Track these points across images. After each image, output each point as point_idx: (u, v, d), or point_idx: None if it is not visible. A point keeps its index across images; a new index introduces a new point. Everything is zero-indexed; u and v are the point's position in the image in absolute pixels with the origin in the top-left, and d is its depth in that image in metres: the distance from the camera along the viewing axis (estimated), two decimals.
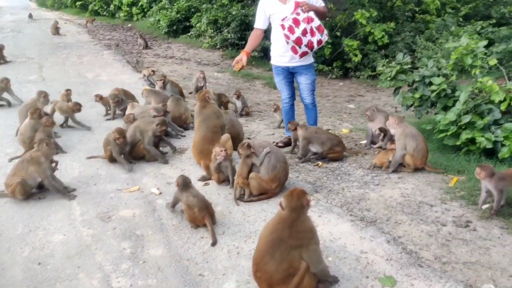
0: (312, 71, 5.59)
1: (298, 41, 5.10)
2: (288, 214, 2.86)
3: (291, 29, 5.07)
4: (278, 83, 5.71)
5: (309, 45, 5.16)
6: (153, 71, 8.97)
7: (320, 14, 5.35)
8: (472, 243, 3.60)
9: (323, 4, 5.44)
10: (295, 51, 5.20)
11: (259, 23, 5.48)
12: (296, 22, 5.07)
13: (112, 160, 5.19)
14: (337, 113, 8.71)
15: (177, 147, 5.74)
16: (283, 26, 5.10)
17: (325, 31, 5.29)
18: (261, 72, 11.80)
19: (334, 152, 5.39)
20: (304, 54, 5.23)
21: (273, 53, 5.57)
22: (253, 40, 5.60)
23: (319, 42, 5.20)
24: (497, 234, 3.70)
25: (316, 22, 5.17)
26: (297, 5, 5.11)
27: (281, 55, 5.42)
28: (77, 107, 6.51)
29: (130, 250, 3.60)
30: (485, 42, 5.92)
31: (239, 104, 7.57)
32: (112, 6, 22.56)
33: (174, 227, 3.90)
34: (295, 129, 5.51)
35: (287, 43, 5.17)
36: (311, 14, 5.14)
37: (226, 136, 4.94)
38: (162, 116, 5.72)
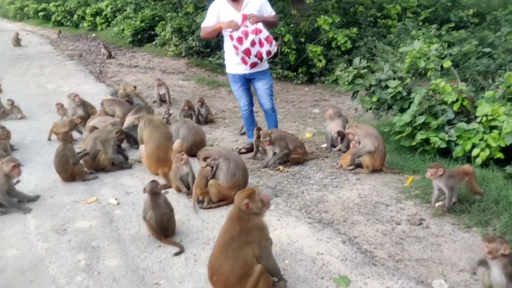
0: (269, 76, 5.66)
1: (247, 52, 5.16)
2: (237, 212, 2.97)
3: (239, 40, 5.12)
4: (236, 91, 5.73)
5: (258, 56, 5.22)
6: (134, 87, 8.71)
7: (269, 24, 5.43)
8: (424, 240, 3.69)
9: (273, 14, 5.47)
10: (244, 62, 5.26)
11: (209, 24, 5.36)
12: (245, 33, 5.12)
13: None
14: (302, 118, 8.78)
15: (135, 157, 5.68)
16: (231, 37, 5.15)
17: (274, 42, 5.33)
18: (226, 79, 11.76)
19: (297, 153, 5.45)
20: (254, 65, 5.29)
21: (228, 61, 5.58)
22: (209, 28, 5.37)
23: (268, 52, 5.26)
24: (448, 231, 3.80)
25: (265, 33, 5.22)
26: (245, 18, 5.16)
27: (237, 63, 5.43)
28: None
29: (85, 261, 3.54)
30: (437, 46, 6.11)
31: (203, 111, 7.55)
32: (75, 16, 22.22)
33: (131, 237, 3.87)
34: (259, 136, 5.55)
35: (237, 54, 5.23)
36: (259, 25, 5.19)
37: (178, 142, 4.96)
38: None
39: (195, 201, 4.34)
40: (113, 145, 5.31)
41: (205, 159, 4.36)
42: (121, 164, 5.37)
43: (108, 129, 5.45)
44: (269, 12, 5.42)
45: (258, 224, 2.98)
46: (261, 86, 5.58)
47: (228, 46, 5.40)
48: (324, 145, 6.13)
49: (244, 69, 5.42)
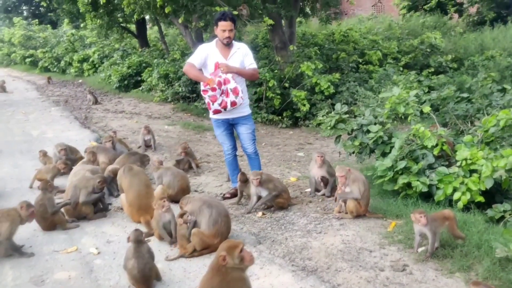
0: (251, 121, 5.76)
1: (213, 98, 5.30)
2: (215, 263, 2.94)
3: (218, 85, 5.27)
4: (219, 136, 5.80)
5: (222, 105, 5.33)
6: (114, 132, 8.70)
7: (246, 75, 5.56)
8: (408, 286, 3.67)
9: (253, 66, 5.55)
10: (209, 106, 5.41)
11: (196, 61, 5.42)
12: (219, 84, 5.28)
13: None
14: (287, 161, 8.83)
15: (118, 205, 5.62)
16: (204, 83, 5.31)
17: (240, 94, 5.39)
18: (211, 124, 11.89)
19: (282, 197, 5.45)
20: (216, 112, 5.43)
21: (211, 107, 5.58)
22: (194, 70, 5.43)
23: (233, 103, 5.35)
24: (432, 276, 3.79)
25: (232, 84, 5.32)
26: (217, 66, 5.29)
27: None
28: None
29: None
30: (416, 91, 6.29)
31: (185, 159, 7.51)
32: (62, 62, 22.46)
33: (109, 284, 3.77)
34: (245, 181, 5.56)
35: (204, 97, 5.41)
36: (229, 76, 5.31)
37: (160, 188, 4.94)
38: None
39: (180, 254, 4.29)
40: (90, 192, 5.24)
41: (181, 215, 4.32)
42: (99, 205, 5.34)
43: (88, 176, 5.41)
44: (249, 64, 5.53)
45: (238, 277, 2.94)
46: (243, 131, 5.68)
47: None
48: (308, 190, 6.15)
49: (227, 114, 5.50)
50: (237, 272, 2.95)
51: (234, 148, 5.88)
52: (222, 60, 5.38)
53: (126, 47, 20.11)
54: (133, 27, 20.51)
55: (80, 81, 19.58)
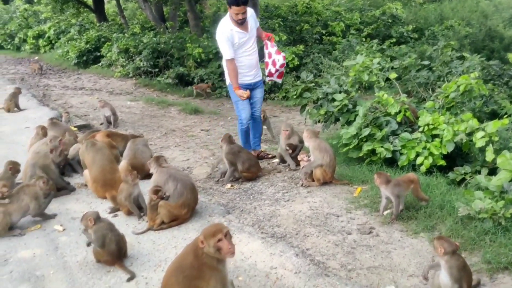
0: (263, 85, 6.20)
1: (280, 75, 5.98)
2: (193, 243, 2.87)
3: (274, 63, 5.88)
4: (242, 104, 5.86)
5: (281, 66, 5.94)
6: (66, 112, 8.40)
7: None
8: (375, 248, 3.76)
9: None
10: (270, 74, 5.96)
11: (231, 53, 5.62)
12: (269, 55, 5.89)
13: None
14: None
15: (81, 181, 5.47)
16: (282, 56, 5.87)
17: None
18: (176, 98, 11.71)
19: (249, 172, 5.45)
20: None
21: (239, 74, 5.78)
22: (235, 71, 5.70)
23: (282, 65, 5.93)
24: (397, 238, 3.89)
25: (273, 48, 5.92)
26: (271, 39, 5.91)
27: (247, 74, 5.81)
28: None
29: None
30: (379, 59, 6.33)
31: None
32: (17, 39, 21.48)
33: (78, 264, 3.70)
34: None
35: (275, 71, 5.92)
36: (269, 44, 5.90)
37: (124, 163, 4.82)
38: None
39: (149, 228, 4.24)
40: (54, 168, 5.11)
41: (156, 192, 4.25)
42: (65, 186, 5.17)
43: (43, 153, 5.20)
44: (256, 23, 5.89)
45: (211, 265, 2.77)
46: (258, 94, 6.02)
47: (243, 58, 5.74)
48: (275, 160, 6.16)
49: (252, 78, 5.88)
50: (212, 260, 2.78)
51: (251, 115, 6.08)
52: (245, 35, 5.63)
53: (83, 22, 19.38)
54: (90, 1, 19.75)
55: (36, 58, 18.80)
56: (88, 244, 3.77)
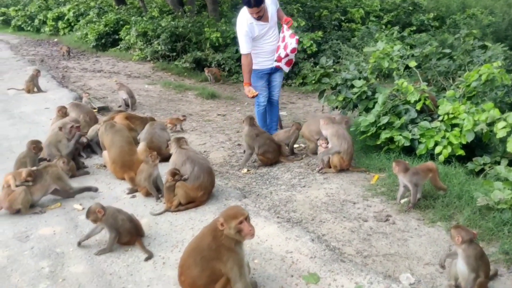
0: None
1: (293, 51, 5.82)
2: (212, 224, 2.90)
3: (285, 47, 5.82)
4: (260, 88, 5.94)
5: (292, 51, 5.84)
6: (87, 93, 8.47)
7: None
8: (391, 235, 3.75)
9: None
10: (279, 59, 5.87)
11: (248, 48, 5.69)
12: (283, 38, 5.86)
13: None
14: None
15: (100, 162, 5.54)
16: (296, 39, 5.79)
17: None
18: (193, 83, 11.74)
19: (264, 157, 5.46)
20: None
21: (258, 60, 5.84)
22: (249, 66, 5.76)
23: (293, 50, 5.84)
24: (414, 226, 3.88)
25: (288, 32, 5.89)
26: (290, 23, 5.84)
27: (267, 59, 5.89)
28: None
29: (49, 268, 3.43)
30: (399, 46, 6.24)
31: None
32: (36, 20, 21.65)
33: (97, 242, 3.76)
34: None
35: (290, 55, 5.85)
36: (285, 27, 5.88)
37: (143, 145, 4.87)
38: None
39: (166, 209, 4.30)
40: (66, 144, 5.21)
41: (174, 174, 4.29)
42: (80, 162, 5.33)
43: (55, 131, 5.31)
44: (277, 5, 5.94)
45: (229, 247, 2.80)
46: (277, 78, 6.12)
47: (263, 43, 5.81)
48: (296, 146, 6.13)
49: (271, 64, 5.91)
50: (230, 242, 2.81)
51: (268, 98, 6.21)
52: (266, 26, 5.70)
53: (102, 5, 19.44)
54: None
55: (55, 40, 18.96)
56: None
